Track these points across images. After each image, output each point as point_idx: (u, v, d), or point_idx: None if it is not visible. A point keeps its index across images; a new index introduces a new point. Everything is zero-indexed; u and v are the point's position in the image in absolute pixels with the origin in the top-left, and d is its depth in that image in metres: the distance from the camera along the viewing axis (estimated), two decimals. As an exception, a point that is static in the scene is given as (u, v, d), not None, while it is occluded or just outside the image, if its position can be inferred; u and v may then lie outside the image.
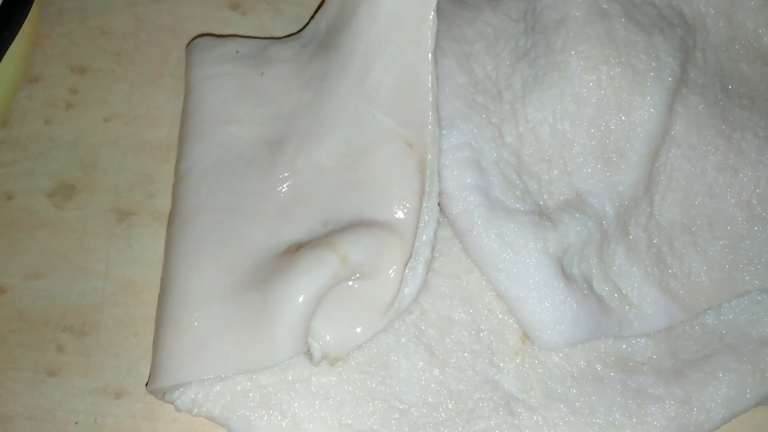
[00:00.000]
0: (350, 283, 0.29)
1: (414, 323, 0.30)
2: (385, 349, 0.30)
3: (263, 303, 0.28)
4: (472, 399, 0.29)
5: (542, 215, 0.30)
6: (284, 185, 0.31)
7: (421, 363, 0.30)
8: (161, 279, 0.30)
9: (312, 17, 0.36)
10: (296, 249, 0.30)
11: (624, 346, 0.31)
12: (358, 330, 0.29)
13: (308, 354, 0.29)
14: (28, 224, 0.32)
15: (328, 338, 0.29)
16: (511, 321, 0.30)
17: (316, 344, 0.29)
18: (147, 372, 0.30)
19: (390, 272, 0.29)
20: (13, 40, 0.22)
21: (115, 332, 0.31)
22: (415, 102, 0.30)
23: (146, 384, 0.29)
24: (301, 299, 0.28)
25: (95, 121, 0.34)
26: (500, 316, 0.31)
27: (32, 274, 0.31)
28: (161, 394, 0.28)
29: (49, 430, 0.29)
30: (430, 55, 0.30)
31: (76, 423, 0.29)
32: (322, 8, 0.34)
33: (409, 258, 0.29)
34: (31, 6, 0.22)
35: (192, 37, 0.36)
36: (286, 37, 0.36)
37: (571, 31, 0.31)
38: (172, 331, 0.28)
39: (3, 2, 0.22)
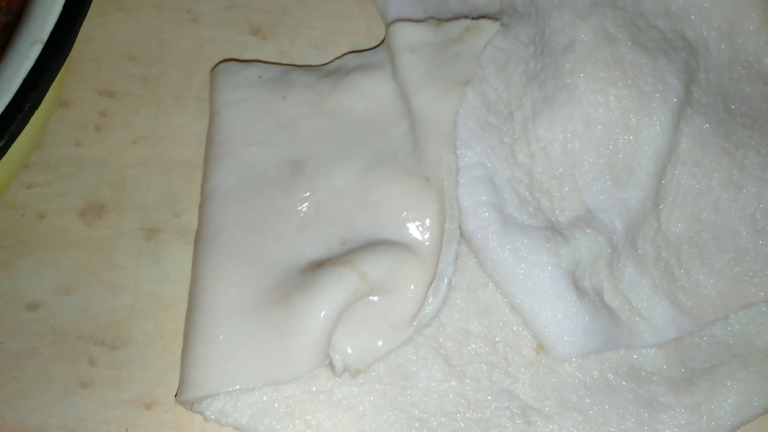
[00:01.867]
0: (371, 298, 0.30)
1: (432, 335, 0.31)
2: (405, 361, 0.31)
3: (286, 318, 0.30)
4: (489, 408, 0.31)
5: (554, 231, 0.32)
6: (304, 204, 0.32)
7: (439, 374, 0.31)
8: (189, 294, 0.31)
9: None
10: (317, 267, 0.31)
11: (635, 357, 0.32)
12: (379, 343, 0.30)
13: (331, 366, 0.30)
14: (60, 242, 0.34)
15: (349, 351, 0.30)
16: (525, 333, 0.32)
17: (338, 357, 0.30)
18: (176, 383, 0.31)
19: (410, 289, 0.30)
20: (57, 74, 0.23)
21: (144, 345, 0.32)
22: (434, 147, 0.32)
23: (175, 395, 0.30)
24: (322, 315, 0.29)
25: (123, 143, 0.36)
26: (515, 328, 0.32)
27: (64, 290, 0.33)
28: (190, 405, 0.30)
29: (82, 440, 0.31)
30: (454, 118, 0.32)
31: (108, 433, 0.31)
32: (349, 55, 0.36)
33: (432, 277, 0.31)
34: (75, 40, 0.24)
35: (215, 60, 0.37)
36: (306, 66, 0.37)
37: (579, 54, 0.33)
38: (200, 345, 0.30)
39: (48, 41, 0.23)
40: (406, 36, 0.34)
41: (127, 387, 0.31)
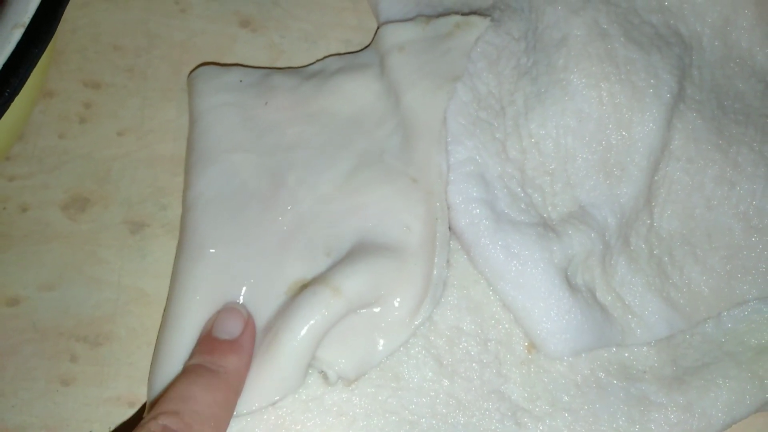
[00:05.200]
0: (360, 309, 0.30)
1: (423, 334, 0.31)
2: (396, 362, 0.30)
3: (263, 346, 0.29)
4: (480, 409, 0.30)
5: (546, 227, 0.31)
6: (286, 217, 0.31)
7: (430, 374, 0.30)
8: (163, 312, 0.30)
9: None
10: (300, 287, 0.30)
11: (626, 355, 0.31)
12: (373, 352, 0.30)
13: (323, 375, 0.30)
14: (43, 236, 0.33)
15: (342, 362, 0.29)
16: (517, 331, 0.31)
17: (331, 371, 0.29)
18: (160, 381, 0.30)
19: (397, 297, 0.30)
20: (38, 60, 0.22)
21: (128, 342, 0.31)
22: (423, 146, 0.32)
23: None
24: (297, 341, 0.28)
25: (108, 135, 0.35)
26: (507, 326, 0.31)
27: (46, 285, 0.32)
28: None
29: (63, 439, 0.30)
30: (443, 115, 0.32)
31: (90, 432, 0.30)
32: (331, 57, 0.36)
33: (424, 280, 0.30)
34: (55, 31, 0.23)
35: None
36: (288, 68, 0.37)
37: (572, 49, 0.32)
38: (166, 374, 0.28)
39: (29, 25, 0.22)
40: (395, 35, 0.34)
41: (110, 385, 0.31)
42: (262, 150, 0.33)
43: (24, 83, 0.23)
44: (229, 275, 0.30)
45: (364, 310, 0.30)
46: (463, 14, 0.35)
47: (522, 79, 0.34)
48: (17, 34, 0.22)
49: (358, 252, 0.30)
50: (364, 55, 0.35)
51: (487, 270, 0.31)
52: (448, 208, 0.31)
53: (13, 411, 0.30)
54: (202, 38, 0.37)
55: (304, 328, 0.28)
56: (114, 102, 0.36)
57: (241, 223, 0.31)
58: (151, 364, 0.29)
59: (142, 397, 0.30)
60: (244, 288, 0.30)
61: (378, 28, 0.36)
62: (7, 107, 0.22)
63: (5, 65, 0.22)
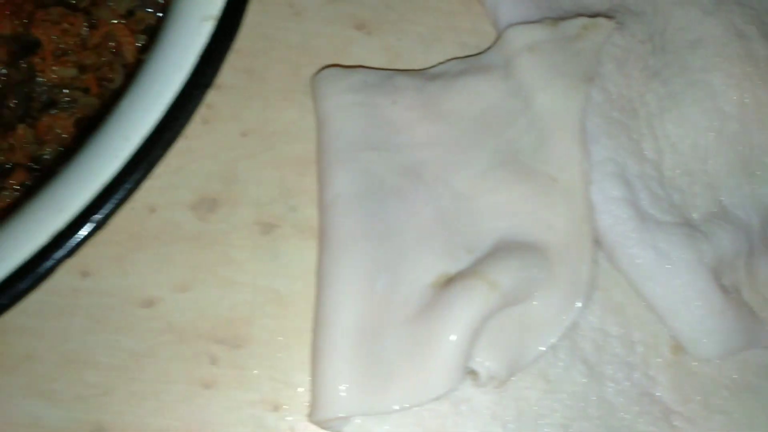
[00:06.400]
0: (509, 308, 0.29)
1: (569, 337, 0.30)
2: (544, 363, 0.30)
3: (419, 338, 0.28)
4: (630, 412, 0.30)
5: (692, 227, 0.31)
6: (425, 212, 0.31)
7: (578, 376, 0.30)
8: (316, 310, 0.30)
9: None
10: (445, 280, 0.30)
11: (773, 357, 0.31)
12: (523, 353, 0.29)
13: (474, 375, 0.29)
14: (173, 236, 0.32)
15: (494, 362, 0.29)
16: (662, 332, 0.31)
17: (482, 370, 0.29)
18: (302, 383, 0.30)
19: (546, 295, 0.30)
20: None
21: (266, 344, 0.31)
22: (562, 146, 0.32)
23: (308, 414, 0.29)
24: (457, 333, 0.28)
25: (232, 136, 0.34)
26: (651, 327, 0.31)
27: (180, 286, 0.31)
28: (323, 424, 0.28)
29: (204, 444, 0.29)
30: (582, 115, 0.32)
31: (231, 437, 0.29)
32: (453, 60, 0.36)
33: (570, 279, 0.30)
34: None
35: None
36: (409, 70, 0.36)
37: (709, 50, 0.33)
38: (330, 365, 0.28)
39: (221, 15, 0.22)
40: (524, 36, 0.34)
41: (253, 387, 0.30)
42: (395, 148, 0.32)
43: (216, 74, 0.23)
44: (375, 269, 0.30)
45: (514, 310, 0.29)
46: (588, 16, 0.35)
47: (652, 80, 0.34)
48: (208, 27, 0.22)
49: (505, 249, 0.30)
50: (487, 56, 0.35)
51: (633, 270, 0.31)
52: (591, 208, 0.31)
53: (156, 414, 0.29)
54: (319, 41, 0.37)
55: (463, 321, 0.28)
56: (235, 103, 0.35)
57: (382, 218, 0.31)
58: (313, 360, 0.29)
59: (285, 399, 0.30)
60: (391, 281, 0.29)
61: (500, 31, 0.36)
62: (201, 101, 0.22)
63: (200, 58, 0.22)
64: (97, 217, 0.21)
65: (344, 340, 0.28)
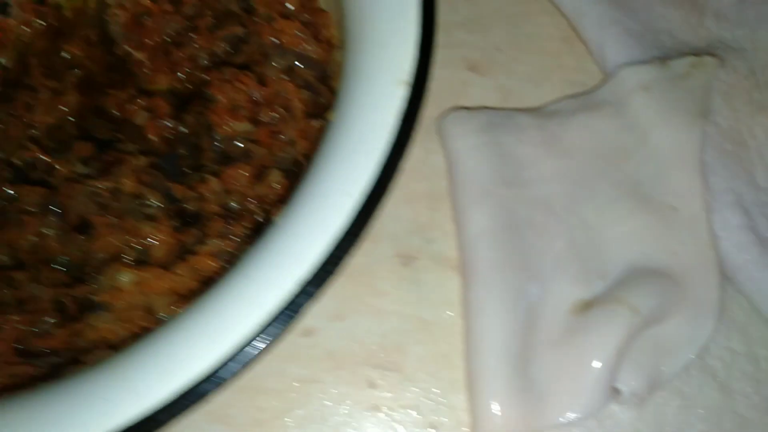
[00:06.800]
0: (646, 330, 0.32)
1: (699, 355, 0.33)
2: (678, 382, 0.32)
3: (565, 362, 0.31)
4: (763, 424, 0.32)
5: (811, 251, 0.33)
6: (559, 242, 0.34)
7: (711, 393, 0.32)
8: (466, 339, 0.33)
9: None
10: (583, 306, 0.32)
11: None
12: (661, 371, 0.32)
13: (616, 393, 0.31)
14: (323, 270, 0.35)
15: (634, 382, 0.31)
16: (786, 349, 0.33)
17: (625, 389, 0.31)
18: (456, 403, 0.32)
19: (681, 317, 0.32)
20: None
21: (419, 368, 0.33)
22: (682, 177, 0.34)
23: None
24: (603, 358, 0.30)
25: (367, 175, 0.37)
26: (775, 344, 0.33)
27: (335, 315, 0.34)
28: None
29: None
30: (700, 148, 0.35)
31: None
32: (567, 99, 0.38)
33: (700, 302, 0.32)
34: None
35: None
36: (527, 109, 0.39)
37: (817, 84, 0.35)
38: (487, 388, 0.31)
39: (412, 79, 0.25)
40: (637, 76, 0.37)
41: (411, 409, 0.33)
42: (525, 183, 0.35)
43: (414, 133, 0.25)
44: (518, 297, 0.32)
45: (651, 332, 0.32)
46: (693, 55, 0.38)
47: (759, 113, 0.36)
48: (401, 91, 0.25)
49: (637, 275, 0.33)
50: (599, 94, 0.38)
51: (756, 292, 0.33)
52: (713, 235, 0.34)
53: (326, 435, 0.32)
54: (436, 83, 0.39)
55: (610, 345, 0.30)
56: (366, 144, 0.38)
57: (521, 250, 0.33)
58: (470, 383, 0.32)
59: (443, 419, 0.32)
60: (533, 308, 0.32)
61: (606, 70, 0.39)
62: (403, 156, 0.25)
63: (402, 120, 0.24)
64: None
65: (497, 363, 0.31)
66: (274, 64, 0.32)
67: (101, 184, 0.29)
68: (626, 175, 0.35)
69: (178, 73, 0.36)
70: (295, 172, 0.32)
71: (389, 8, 0.27)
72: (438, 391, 0.33)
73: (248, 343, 0.22)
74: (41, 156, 0.31)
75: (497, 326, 0.32)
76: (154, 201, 0.29)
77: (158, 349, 0.23)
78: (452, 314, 0.34)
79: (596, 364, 0.30)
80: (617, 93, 0.37)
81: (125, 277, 0.26)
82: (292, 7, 0.33)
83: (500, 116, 0.37)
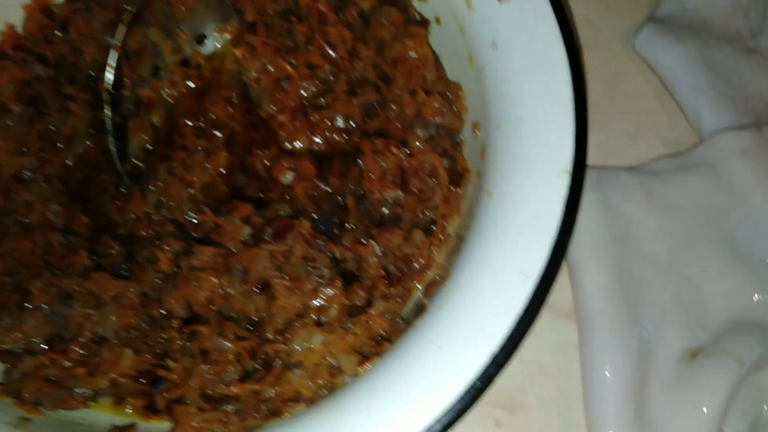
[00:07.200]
0: (750, 376, 0.35)
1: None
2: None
3: (678, 407, 0.35)
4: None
5: None
6: (665, 296, 0.38)
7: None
8: (584, 381, 0.37)
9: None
10: (691, 356, 0.36)
11: None
12: (763, 414, 0.35)
13: None
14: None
15: (739, 424, 0.35)
16: None
17: (731, 430, 0.35)
18: (576, 442, 0.36)
19: None
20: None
21: (539, 408, 0.37)
22: None
23: None
24: (714, 405, 0.34)
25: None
26: None
27: (462, 359, 0.38)
28: None
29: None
30: None
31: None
32: (666, 159, 0.42)
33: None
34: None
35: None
36: (629, 167, 0.42)
37: None
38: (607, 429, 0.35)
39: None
40: (735, 142, 0.40)
41: (535, 446, 0.36)
42: (634, 240, 0.39)
43: (577, 220, 0.29)
44: (632, 346, 0.36)
45: (753, 378, 0.35)
46: (785, 121, 0.41)
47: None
48: (564, 180, 0.28)
49: (739, 327, 0.36)
50: (697, 155, 0.41)
51: None
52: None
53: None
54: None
55: (722, 393, 0.34)
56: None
57: (633, 304, 0.37)
58: (591, 424, 0.35)
59: (564, 458, 0.36)
60: (646, 356, 0.36)
61: (701, 131, 0.42)
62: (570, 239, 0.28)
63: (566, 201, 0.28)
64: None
65: (615, 407, 0.35)
66: (418, 133, 0.36)
67: (277, 248, 0.32)
68: (724, 232, 0.39)
69: (317, 136, 0.39)
70: (434, 231, 0.35)
71: (543, 93, 0.31)
72: (558, 427, 0.37)
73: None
74: (210, 217, 0.34)
75: (615, 372, 0.35)
76: (322, 263, 0.32)
77: (356, 406, 0.27)
78: (568, 360, 0.38)
79: (707, 410, 0.34)
80: (715, 156, 0.41)
81: (318, 338, 0.29)
82: (431, 78, 0.37)
83: (608, 175, 0.41)
